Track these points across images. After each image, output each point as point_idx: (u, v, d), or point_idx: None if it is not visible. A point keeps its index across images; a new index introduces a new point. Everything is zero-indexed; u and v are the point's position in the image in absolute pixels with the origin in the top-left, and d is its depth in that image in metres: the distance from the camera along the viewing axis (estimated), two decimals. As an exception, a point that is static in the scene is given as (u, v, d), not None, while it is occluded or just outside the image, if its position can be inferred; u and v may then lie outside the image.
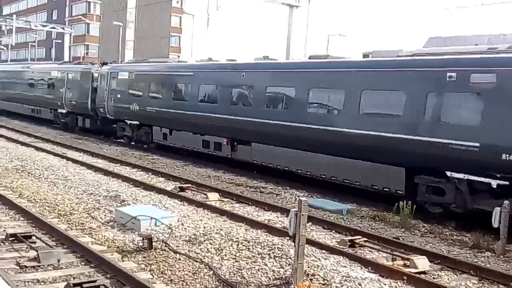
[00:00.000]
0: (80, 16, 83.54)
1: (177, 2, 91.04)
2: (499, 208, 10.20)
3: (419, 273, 8.55)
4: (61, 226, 10.01)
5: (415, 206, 12.05)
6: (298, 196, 13.38)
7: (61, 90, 30.54)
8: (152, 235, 9.23)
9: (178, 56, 77.00)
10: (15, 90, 37.22)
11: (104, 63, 28.81)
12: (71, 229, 10.02)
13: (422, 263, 8.85)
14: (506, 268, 9.23)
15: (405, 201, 12.06)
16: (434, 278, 8.52)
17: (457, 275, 8.78)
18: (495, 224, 10.25)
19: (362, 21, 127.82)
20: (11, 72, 40.29)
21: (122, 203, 12.08)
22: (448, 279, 8.61)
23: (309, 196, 14.58)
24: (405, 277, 8.16)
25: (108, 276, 7.61)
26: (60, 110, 31.01)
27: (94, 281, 7.12)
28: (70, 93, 29.74)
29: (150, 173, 17.19)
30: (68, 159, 18.96)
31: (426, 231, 11.64)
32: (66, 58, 61.62)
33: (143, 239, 9.05)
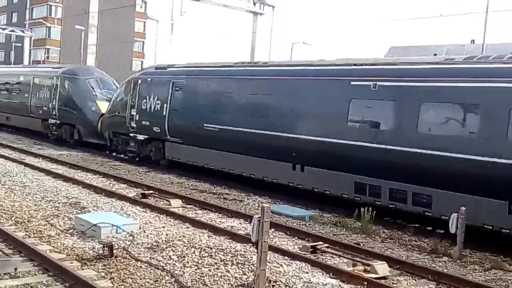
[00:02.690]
0: (41, 20, 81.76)
1: (141, 7, 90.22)
2: (456, 214, 10.48)
3: (379, 278, 8.69)
4: (18, 234, 9.74)
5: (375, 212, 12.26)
6: (262, 203, 13.43)
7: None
8: (113, 243, 9.09)
9: (142, 62, 76.36)
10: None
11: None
12: (29, 237, 9.78)
13: (382, 268, 9.00)
14: (463, 273, 9.48)
15: (366, 207, 12.26)
16: (393, 283, 8.67)
17: (415, 280, 8.96)
18: (452, 230, 10.53)
19: (327, 30, 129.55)
20: None
21: (82, 210, 11.87)
22: (407, 284, 8.78)
23: (273, 202, 14.65)
24: (365, 283, 8.28)
25: (67, 285, 7.45)
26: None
27: (52, 290, 6.97)
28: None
29: (111, 180, 16.95)
30: (26, 165, 18.51)
31: (386, 236, 11.85)
32: (26, 62, 60.30)
33: (103, 246, 8.91)
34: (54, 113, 26.80)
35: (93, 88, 25.94)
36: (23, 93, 29.83)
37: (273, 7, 45.85)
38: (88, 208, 12.09)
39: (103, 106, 24.40)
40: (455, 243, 10.49)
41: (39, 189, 14.00)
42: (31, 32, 67.92)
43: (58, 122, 26.73)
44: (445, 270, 9.51)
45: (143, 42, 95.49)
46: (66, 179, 16.18)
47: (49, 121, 27.45)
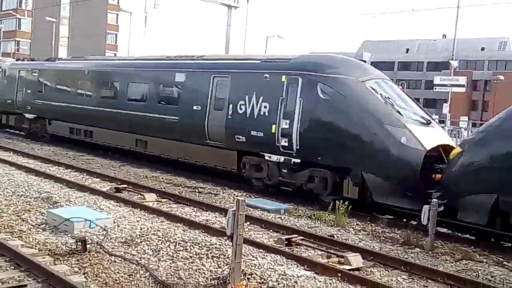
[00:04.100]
0: (10, 11, 79.99)
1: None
2: (428, 206, 10.66)
3: (353, 269, 8.80)
4: (-12, 230, 9.57)
5: (350, 205, 12.34)
6: (237, 196, 13.44)
7: None
8: (86, 237, 8.99)
9: (115, 54, 75.43)
10: None
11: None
12: (0, 232, 9.60)
13: (355, 260, 9.11)
14: (434, 264, 9.66)
15: (340, 201, 12.36)
16: (367, 275, 8.79)
17: (388, 271, 9.10)
18: (424, 221, 10.71)
19: (301, 24, 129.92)
20: None
21: (55, 205, 11.70)
22: (380, 275, 8.91)
23: (248, 196, 14.67)
24: (339, 274, 8.37)
25: (39, 280, 7.34)
26: None
27: (25, 286, 6.87)
28: None
29: (84, 174, 16.74)
30: (-4, 159, 18.15)
31: (360, 229, 11.99)
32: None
33: (76, 241, 8.80)
34: (285, 143, 14.41)
35: (388, 99, 13.71)
36: (187, 104, 17.53)
37: (248, 0, 45.77)
38: (60, 203, 11.92)
39: (425, 137, 12.71)
40: (427, 234, 10.67)
41: (10, 184, 13.74)
42: (1, 24, 66.41)
43: (298, 161, 14.37)
44: (417, 261, 9.67)
45: (116, 34, 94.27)
46: (37, 173, 15.91)
47: (266, 157, 15.07)
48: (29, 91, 26.00)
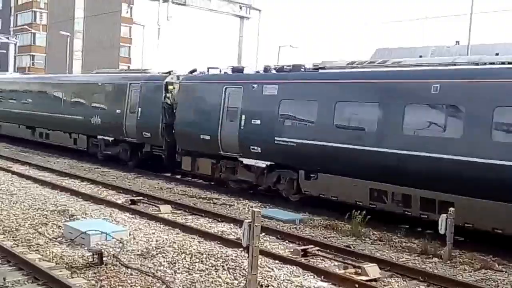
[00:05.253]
0: (25, 26, 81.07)
1: (127, 12, 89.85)
2: (445, 215, 10.53)
3: (370, 280, 8.71)
4: (6, 243, 9.63)
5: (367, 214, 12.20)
6: (251, 207, 13.41)
7: None
8: (103, 250, 9.03)
9: (128, 67, 76.00)
10: None
11: None
12: (17, 246, 9.67)
13: (372, 270, 9.02)
14: (453, 273, 9.54)
15: (358, 211, 12.23)
16: (384, 285, 8.70)
17: (406, 282, 8.99)
18: (441, 231, 10.58)
19: (313, 33, 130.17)
20: None
21: (71, 218, 11.77)
22: (398, 285, 8.81)
23: (262, 206, 14.63)
24: (356, 285, 8.30)
25: (57, 293, 7.38)
26: None
27: (42, 299, 6.88)
28: None
29: (100, 186, 16.83)
30: (13, 173, 18.33)
31: (376, 238, 11.88)
32: (11, 69, 59.70)
33: (93, 254, 8.83)
34: None
35: None
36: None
37: (260, 11, 45.94)
38: (76, 216, 11.99)
39: None
40: (445, 244, 10.54)
41: (27, 197, 13.87)
42: (16, 38, 67.32)
43: None
44: (435, 271, 9.56)
45: (129, 47, 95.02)
46: (54, 186, 16.04)
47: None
48: None
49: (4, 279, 7.72)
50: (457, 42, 55.99)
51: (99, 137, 22.41)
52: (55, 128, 25.44)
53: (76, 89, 25.14)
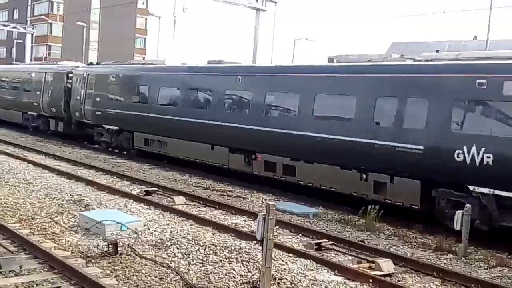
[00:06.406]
0: (42, 16, 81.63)
1: (143, 3, 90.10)
2: (461, 211, 10.44)
3: (384, 275, 8.67)
4: (22, 231, 9.74)
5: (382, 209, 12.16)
6: (265, 200, 13.41)
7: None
8: (118, 240, 9.09)
9: (143, 58, 76.27)
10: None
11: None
12: (33, 234, 9.77)
13: (387, 265, 8.98)
14: (468, 270, 9.46)
15: (372, 205, 12.19)
16: (398, 281, 8.65)
17: (420, 277, 8.94)
18: (457, 227, 10.50)
19: (329, 26, 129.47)
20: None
21: (86, 208, 11.86)
22: (412, 281, 8.76)
23: (276, 199, 14.62)
24: (370, 280, 8.26)
25: (72, 282, 7.45)
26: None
27: (58, 288, 6.96)
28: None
29: (115, 177, 16.93)
30: (29, 162, 18.51)
31: (390, 234, 11.82)
32: (28, 59, 60.23)
33: (108, 244, 8.90)
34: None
35: None
36: None
37: (276, 3, 45.70)
38: (92, 206, 12.08)
39: None
40: (460, 240, 10.46)
41: (43, 186, 14.00)
42: (33, 28, 67.82)
43: None
44: (450, 267, 9.49)
45: (145, 38, 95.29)
46: (69, 176, 16.17)
47: None
48: None
49: (20, 267, 7.81)
50: (475, 37, 55.26)
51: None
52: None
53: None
